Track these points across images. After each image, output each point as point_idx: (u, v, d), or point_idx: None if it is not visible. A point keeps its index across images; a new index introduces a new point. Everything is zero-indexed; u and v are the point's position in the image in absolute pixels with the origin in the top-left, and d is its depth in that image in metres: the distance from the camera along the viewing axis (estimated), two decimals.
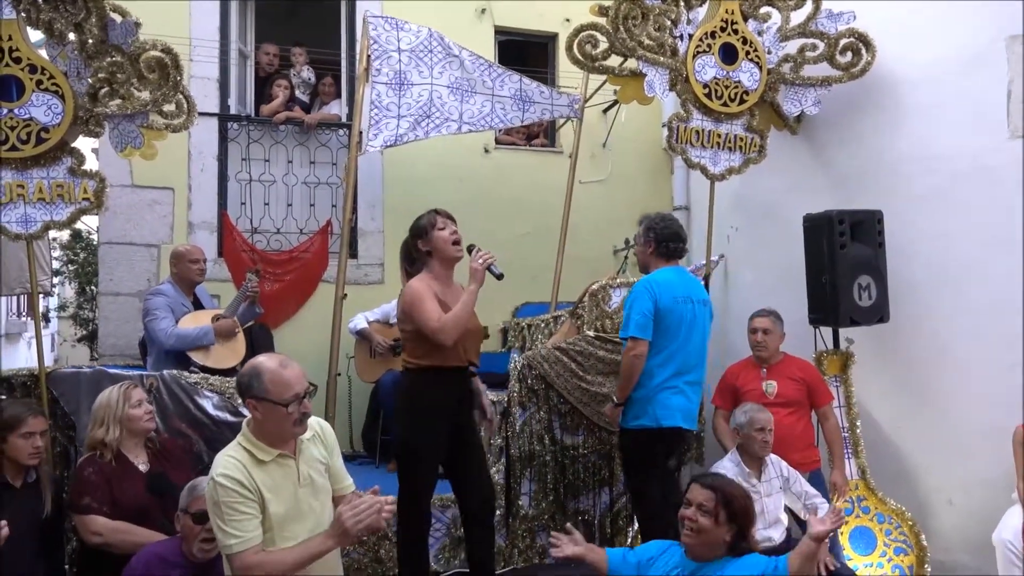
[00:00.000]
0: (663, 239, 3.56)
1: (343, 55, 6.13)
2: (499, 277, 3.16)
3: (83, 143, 4.21)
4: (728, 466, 3.45)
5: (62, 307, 17.89)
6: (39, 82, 3.83)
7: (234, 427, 3.07)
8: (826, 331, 4.32)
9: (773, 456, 3.59)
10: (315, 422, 2.44)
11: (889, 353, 4.30)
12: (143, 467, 3.12)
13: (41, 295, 11.32)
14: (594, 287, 4.32)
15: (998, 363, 3.82)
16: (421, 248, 3.18)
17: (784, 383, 3.97)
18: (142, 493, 2.99)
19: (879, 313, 4.13)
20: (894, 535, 4.01)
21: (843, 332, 4.27)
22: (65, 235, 14.59)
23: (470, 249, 3.15)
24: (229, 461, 2.22)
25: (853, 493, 4.04)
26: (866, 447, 4.14)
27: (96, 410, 3.15)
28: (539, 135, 6.62)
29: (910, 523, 4.00)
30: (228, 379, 3.77)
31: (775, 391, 3.95)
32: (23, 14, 3.82)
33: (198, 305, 4.46)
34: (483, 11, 6.23)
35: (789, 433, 3.82)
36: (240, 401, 3.24)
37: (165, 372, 3.81)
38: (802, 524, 3.58)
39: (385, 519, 2.19)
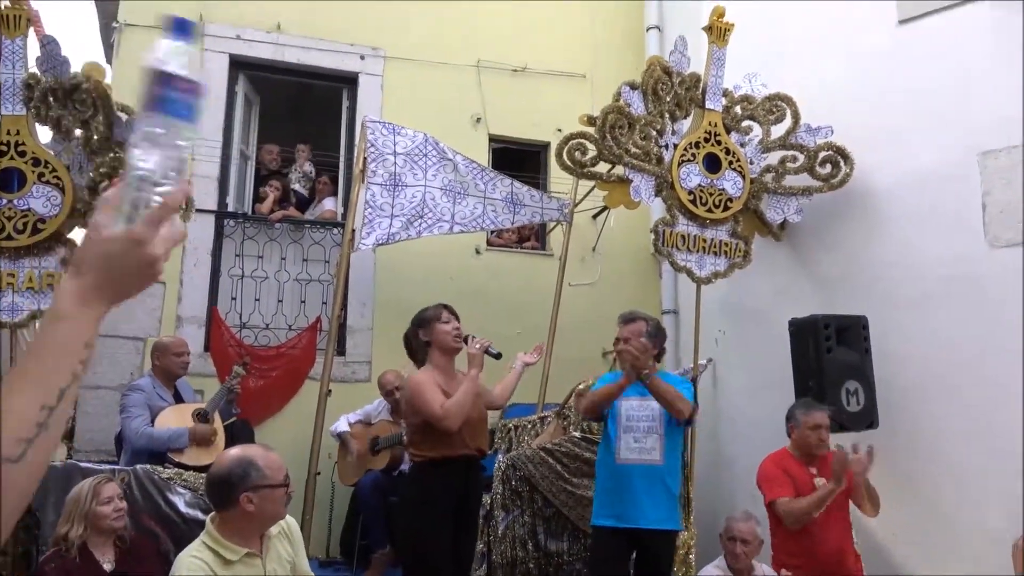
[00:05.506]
0: None
1: (342, 156, 6.33)
2: (497, 357, 3.32)
3: (79, 235, 4.27)
4: (714, 573, 3.33)
5: None
6: (41, 175, 3.93)
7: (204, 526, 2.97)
8: None
9: (766, 567, 3.46)
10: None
11: (882, 460, 4.21)
12: (108, 566, 2.99)
13: None
14: (580, 387, 4.30)
15: (997, 471, 3.75)
16: (422, 338, 3.32)
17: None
18: None
19: (868, 419, 4.09)
20: None
21: (833, 438, 4.20)
22: None
23: (465, 339, 3.30)
24: (193, 562, 2.14)
25: None
26: (864, 556, 3.99)
27: (66, 504, 3.06)
28: (530, 238, 6.75)
29: None
30: (203, 475, 3.65)
31: None
32: (33, 110, 3.97)
33: (179, 398, 4.38)
34: (478, 120, 6.49)
35: (849, 545, 3.56)
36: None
37: (139, 467, 3.71)
38: None
39: None
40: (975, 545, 3.77)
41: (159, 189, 0.83)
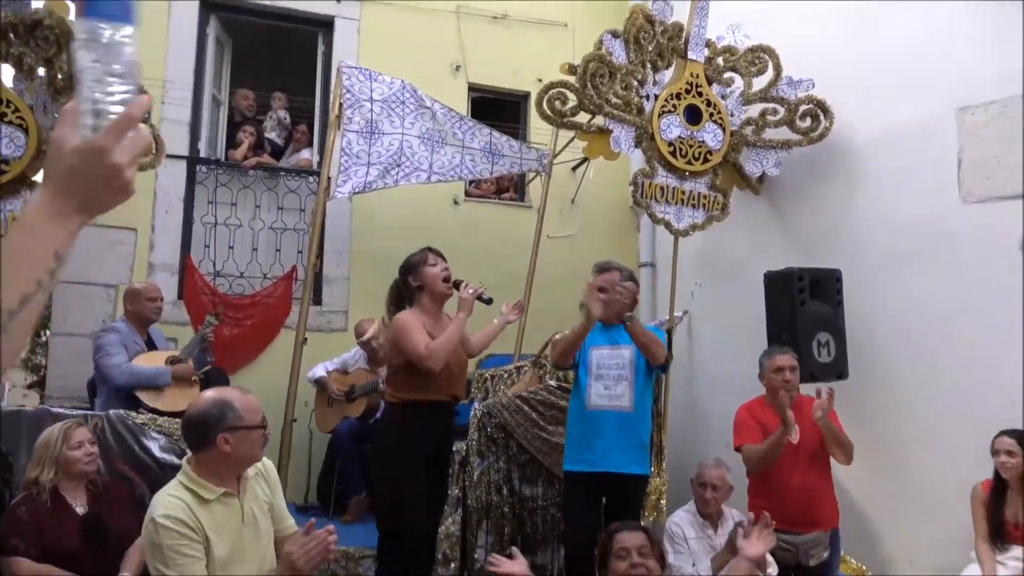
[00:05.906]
0: None
1: (317, 102, 6.19)
2: (488, 302, 3.38)
3: None
4: (683, 516, 3.41)
5: None
6: (3, 115, 3.81)
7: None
8: None
9: (735, 511, 3.55)
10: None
11: (850, 411, 4.29)
12: (80, 509, 2.99)
13: None
14: (556, 337, 4.30)
15: (960, 422, 3.83)
16: (411, 283, 3.30)
17: (805, 427, 3.56)
18: (75, 536, 2.85)
19: (839, 370, 4.16)
20: None
21: (804, 388, 4.28)
22: None
23: (456, 284, 3.30)
24: (171, 501, 2.14)
25: None
26: None
27: (36, 448, 3.04)
28: (509, 189, 6.70)
29: None
30: (177, 420, 3.65)
31: (798, 435, 3.54)
32: None
33: (151, 345, 4.35)
34: (457, 68, 6.36)
35: (823, 492, 3.60)
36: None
37: (111, 412, 3.69)
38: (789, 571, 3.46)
39: (330, 552, 2.14)
40: (936, 496, 3.88)
41: (116, 98, 0.82)
